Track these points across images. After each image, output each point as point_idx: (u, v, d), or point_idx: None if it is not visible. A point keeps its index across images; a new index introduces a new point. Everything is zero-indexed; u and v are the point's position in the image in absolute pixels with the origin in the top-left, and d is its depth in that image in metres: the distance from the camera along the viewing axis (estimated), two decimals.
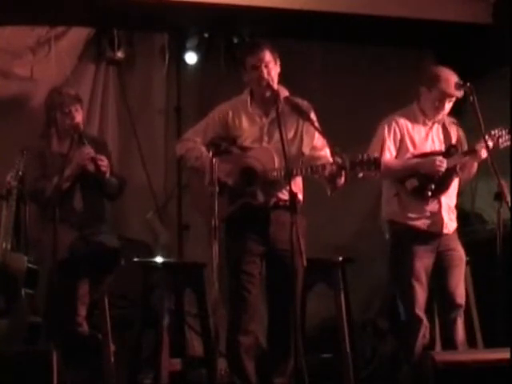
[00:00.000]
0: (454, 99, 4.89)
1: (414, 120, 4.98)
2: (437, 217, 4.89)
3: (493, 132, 4.85)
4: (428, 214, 4.89)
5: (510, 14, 5.94)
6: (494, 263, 4.84)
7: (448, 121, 5.01)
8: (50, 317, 4.82)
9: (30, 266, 5.00)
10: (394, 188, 4.95)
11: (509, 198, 4.70)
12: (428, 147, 4.96)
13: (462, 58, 5.17)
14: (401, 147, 4.95)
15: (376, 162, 4.33)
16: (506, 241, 4.86)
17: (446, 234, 4.93)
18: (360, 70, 6.66)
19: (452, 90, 4.84)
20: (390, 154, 4.91)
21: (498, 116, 5.16)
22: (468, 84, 4.80)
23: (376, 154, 4.39)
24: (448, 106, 4.91)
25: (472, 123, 4.90)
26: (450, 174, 4.87)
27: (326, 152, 4.68)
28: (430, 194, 4.85)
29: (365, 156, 4.35)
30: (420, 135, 4.96)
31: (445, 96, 4.87)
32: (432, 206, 4.89)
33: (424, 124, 4.98)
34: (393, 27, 6.22)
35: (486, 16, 6.25)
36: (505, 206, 4.70)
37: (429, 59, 6.80)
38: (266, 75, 4.60)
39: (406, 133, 4.95)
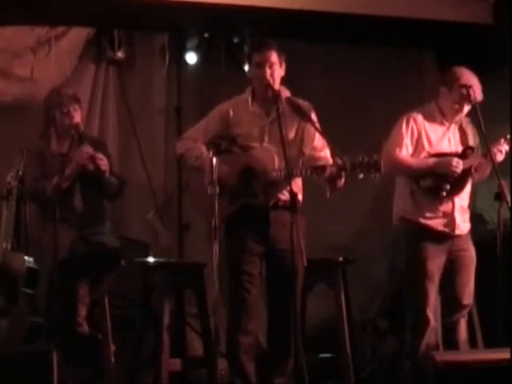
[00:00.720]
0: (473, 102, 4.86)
1: (431, 119, 4.95)
2: (450, 217, 4.88)
3: (508, 136, 4.85)
4: (441, 214, 4.88)
5: (510, 14, 5.94)
6: (495, 263, 4.85)
7: (465, 121, 4.99)
8: (50, 317, 4.82)
9: (30, 265, 4.99)
10: (409, 186, 4.93)
11: (509, 198, 4.70)
12: (444, 147, 4.94)
13: (462, 58, 5.17)
14: (417, 145, 4.92)
15: (376, 165, 4.31)
16: (506, 241, 4.86)
17: (459, 235, 4.92)
18: (360, 70, 6.66)
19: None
20: (406, 151, 4.89)
21: (499, 116, 5.16)
22: (469, 84, 4.80)
23: (376, 157, 4.36)
24: (467, 108, 4.88)
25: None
26: (465, 175, 4.86)
27: (326, 153, 4.67)
28: (444, 194, 4.85)
29: (365, 158, 4.33)
30: (437, 134, 4.94)
31: (464, 99, 4.86)
32: (445, 207, 4.87)
33: (441, 124, 4.95)
34: (393, 27, 6.21)
35: (486, 16, 6.24)
36: (505, 205, 4.70)
37: (429, 59, 6.81)
38: (268, 75, 4.59)
39: (423, 131, 4.92)
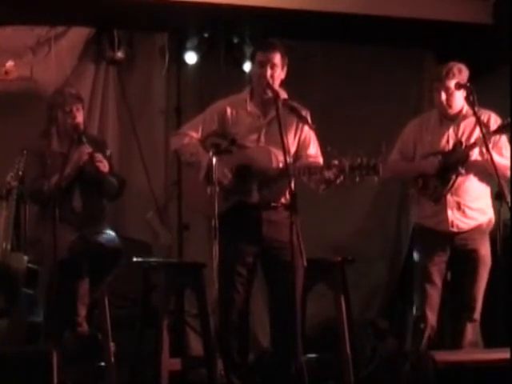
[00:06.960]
0: (450, 89, 4.85)
1: (429, 122, 5.01)
2: (442, 215, 4.89)
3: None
4: (434, 212, 4.90)
5: (510, 14, 5.94)
6: (494, 263, 4.84)
7: (474, 118, 4.88)
8: (50, 317, 4.82)
9: (30, 265, 5.00)
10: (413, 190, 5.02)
11: (509, 198, 4.69)
12: (441, 146, 4.95)
13: (461, 58, 5.16)
14: (415, 150, 4.99)
15: (375, 168, 4.30)
16: (506, 241, 4.86)
17: (458, 233, 4.90)
18: (360, 70, 6.67)
19: (437, 77, 4.86)
20: (397, 156, 4.99)
21: (499, 116, 5.15)
22: (468, 84, 4.79)
23: (375, 160, 4.36)
24: (444, 95, 4.86)
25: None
26: (451, 171, 4.86)
27: (320, 161, 4.66)
28: (432, 192, 4.86)
29: (364, 160, 4.32)
30: (434, 135, 4.96)
31: (434, 87, 4.90)
32: (438, 205, 4.89)
33: (441, 124, 4.97)
34: (393, 27, 6.22)
35: (485, 16, 6.25)
36: (505, 205, 4.70)
37: (429, 59, 6.81)
38: (268, 75, 4.58)
39: (419, 136, 4.99)
